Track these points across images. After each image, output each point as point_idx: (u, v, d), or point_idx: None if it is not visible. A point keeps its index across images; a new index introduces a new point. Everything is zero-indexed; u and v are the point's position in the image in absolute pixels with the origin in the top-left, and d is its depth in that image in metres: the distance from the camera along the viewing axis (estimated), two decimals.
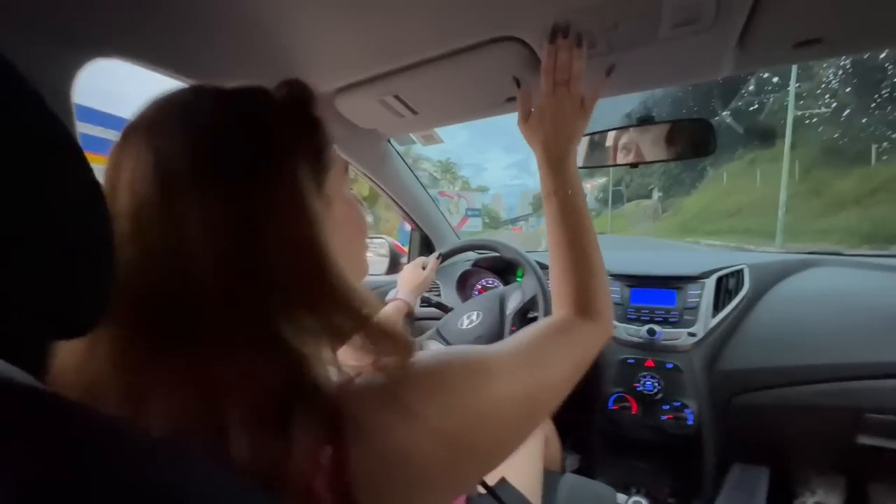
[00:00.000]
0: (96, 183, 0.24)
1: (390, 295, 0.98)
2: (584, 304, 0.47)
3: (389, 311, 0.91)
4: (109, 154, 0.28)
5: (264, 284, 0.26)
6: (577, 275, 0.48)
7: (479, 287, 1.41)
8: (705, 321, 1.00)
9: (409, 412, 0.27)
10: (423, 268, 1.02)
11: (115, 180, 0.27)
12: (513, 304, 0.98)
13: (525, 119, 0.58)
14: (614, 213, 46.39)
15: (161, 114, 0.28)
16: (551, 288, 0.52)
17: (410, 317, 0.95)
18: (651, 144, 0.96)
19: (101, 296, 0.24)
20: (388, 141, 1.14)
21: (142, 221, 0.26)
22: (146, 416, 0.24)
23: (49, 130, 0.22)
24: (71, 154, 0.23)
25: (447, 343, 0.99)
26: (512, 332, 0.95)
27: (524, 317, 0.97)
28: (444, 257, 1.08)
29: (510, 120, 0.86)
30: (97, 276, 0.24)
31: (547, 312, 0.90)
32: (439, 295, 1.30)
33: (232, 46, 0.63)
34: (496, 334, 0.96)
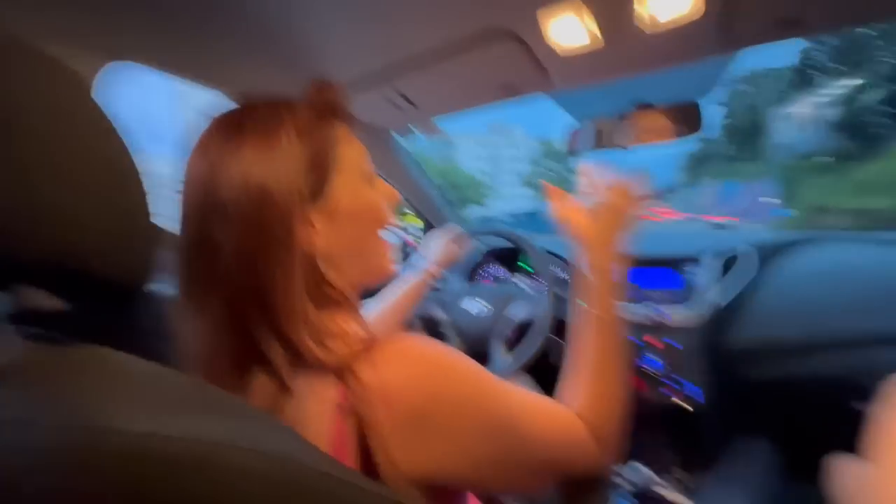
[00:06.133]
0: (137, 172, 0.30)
1: (418, 264, 0.93)
2: (593, 423, 0.42)
3: (411, 286, 0.84)
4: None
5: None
6: (596, 392, 0.45)
7: (486, 275, 1.45)
8: (710, 300, 1.02)
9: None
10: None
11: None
12: (516, 314, 0.99)
13: (567, 220, 0.56)
14: None
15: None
16: (564, 382, 0.48)
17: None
18: (651, 127, 0.99)
19: (147, 264, 0.30)
20: (394, 138, 1.19)
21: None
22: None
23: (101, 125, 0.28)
24: (116, 144, 0.28)
25: (449, 317, 1.04)
26: (508, 337, 0.97)
27: (522, 329, 0.98)
28: (477, 235, 1.04)
29: None
30: (144, 247, 0.30)
31: (544, 337, 0.90)
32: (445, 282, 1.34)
33: (242, 50, 0.68)
34: (489, 331, 0.99)
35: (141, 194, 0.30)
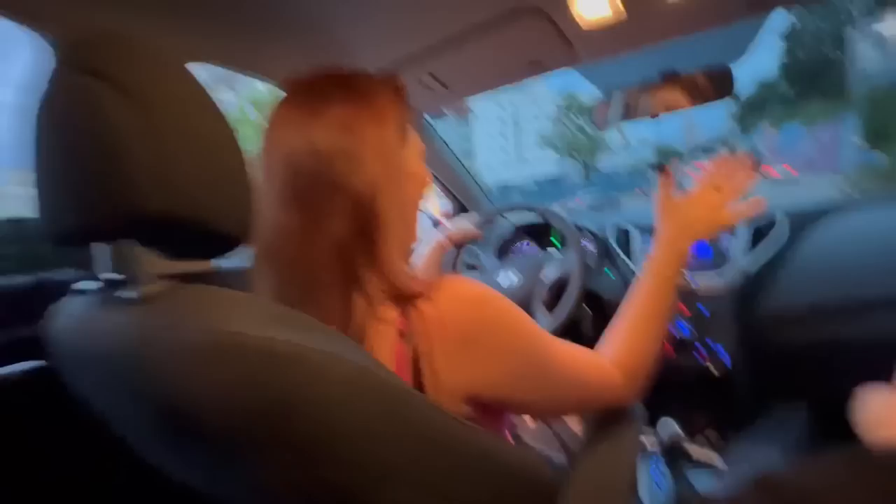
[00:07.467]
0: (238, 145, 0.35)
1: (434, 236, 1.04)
2: (625, 364, 0.49)
3: (429, 250, 0.98)
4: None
5: None
6: (634, 339, 0.52)
7: (517, 251, 1.49)
8: (739, 267, 1.02)
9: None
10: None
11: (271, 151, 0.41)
12: (550, 275, 1.04)
13: (664, 202, 0.60)
14: None
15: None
16: (610, 324, 0.54)
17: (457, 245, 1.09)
18: (679, 94, 0.99)
19: (247, 222, 0.36)
20: (426, 119, 1.24)
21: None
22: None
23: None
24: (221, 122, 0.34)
25: None
26: (545, 299, 1.02)
27: (557, 289, 1.03)
28: (488, 219, 1.12)
29: None
30: (245, 208, 0.36)
31: (579, 291, 0.95)
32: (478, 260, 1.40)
33: (286, 43, 0.75)
34: (528, 297, 1.04)
35: (242, 159, 0.35)
